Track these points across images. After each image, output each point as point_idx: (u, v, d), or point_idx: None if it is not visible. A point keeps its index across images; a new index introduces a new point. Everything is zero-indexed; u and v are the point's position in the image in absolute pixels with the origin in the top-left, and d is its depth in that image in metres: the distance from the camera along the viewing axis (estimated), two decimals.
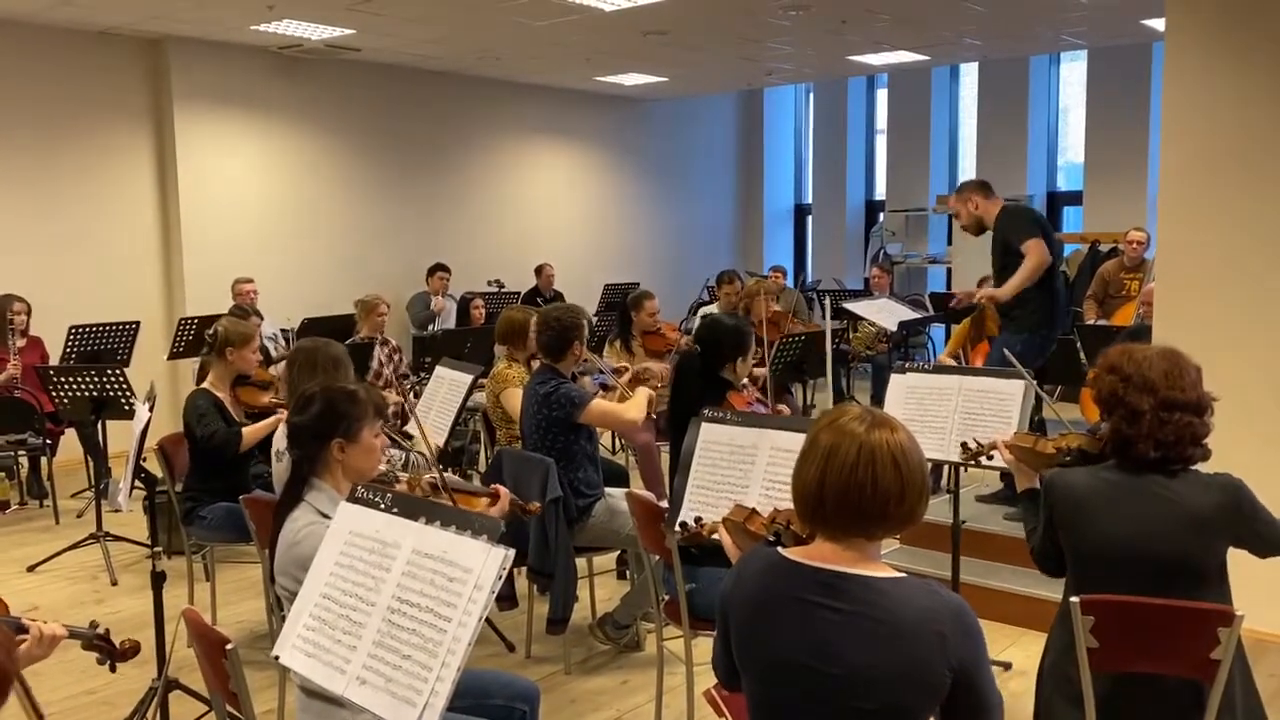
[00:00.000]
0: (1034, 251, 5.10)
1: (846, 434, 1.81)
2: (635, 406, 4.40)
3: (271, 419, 4.40)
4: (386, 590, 1.93)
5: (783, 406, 4.46)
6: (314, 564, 2.09)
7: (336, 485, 2.59)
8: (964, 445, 3.33)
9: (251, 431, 4.43)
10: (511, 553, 1.82)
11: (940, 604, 1.78)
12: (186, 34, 8.31)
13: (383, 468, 2.94)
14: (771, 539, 2.09)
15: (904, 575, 1.82)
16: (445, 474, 3.28)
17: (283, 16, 7.62)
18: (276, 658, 2.05)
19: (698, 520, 2.39)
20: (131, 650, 2.25)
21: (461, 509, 2.02)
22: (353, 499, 2.11)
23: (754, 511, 2.23)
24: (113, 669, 2.27)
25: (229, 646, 2.23)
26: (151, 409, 3.70)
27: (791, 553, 1.89)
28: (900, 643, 1.75)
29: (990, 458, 3.25)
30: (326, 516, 2.43)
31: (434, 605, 1.84)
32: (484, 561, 1.81)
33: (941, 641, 1.75)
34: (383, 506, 2.04)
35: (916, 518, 1.83)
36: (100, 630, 2.23)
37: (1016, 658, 4.26)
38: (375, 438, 2.68)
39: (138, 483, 3.59)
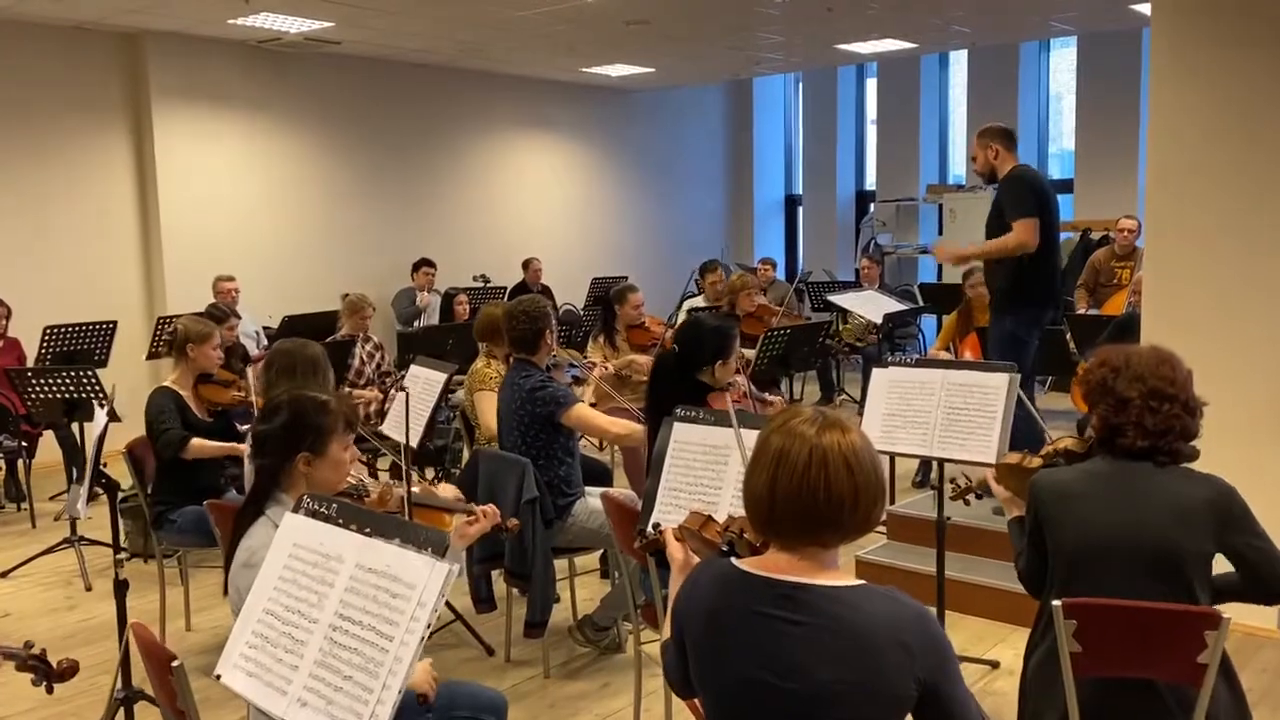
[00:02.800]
0: (1020, 232, 4.84)
1: (796, 436, 1.72)
2: (623, 425, 4.31)
3: (225, 445, 4.42)
4: (329, 606, 1.84)
5: (772, 399, 4.35)
6: (258, 578, 2.00)
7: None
8: (953, 481, 3.30)
9: (200, 445, 4.37)
10: (456, 567, 1.73)
11: (903, 612, 1.70)
12: (163, 28, 8.19)
13: (351, 480, 2.85)
14: (724, 549, 2.00)
15: (863, 583, 1.74)
16: (419, 486, 3.18)
17: (260, 10, 7.50)
18: (219, 677, 1.96)
19: (656, 527, 2.30)
20: (69, 670, 2.16)
21: (402, 520, 1.93)
22: (297, 509, 2.02)
23: (710, 518, 2.14)
24: (49, 690, 2.17)
25: (175, 664, 2.15)
26: (109, 412, 3.60)
27: (745, 564, 1.80)
28: (863, 655, 1.67)
29: (979, 496, 3.20)
30: None
31: (376, 624, 1.75)
32: (428, 577, 1.72)
33: (906, 652, 1.67)
34: (327, 517, 1.95)
35: (873, 522, 1.75)
36: (35, 650, 2.13)
37: (1005, 656, 4.18)
38: (344, 451, 2.58)
39: (98, 489, 3.49)
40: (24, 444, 6.47)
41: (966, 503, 3.30)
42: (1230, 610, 2.33)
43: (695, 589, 1.85)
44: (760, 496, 1.74)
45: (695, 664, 1.83)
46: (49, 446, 6.78)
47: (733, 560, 1.83)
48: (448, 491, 3.22)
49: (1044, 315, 5.12)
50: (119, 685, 3.44)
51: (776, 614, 1.71)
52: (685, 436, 2.95)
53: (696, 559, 2.08)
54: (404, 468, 3.02)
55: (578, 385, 4.89)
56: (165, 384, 4.52)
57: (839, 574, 1.76)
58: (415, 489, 2.97)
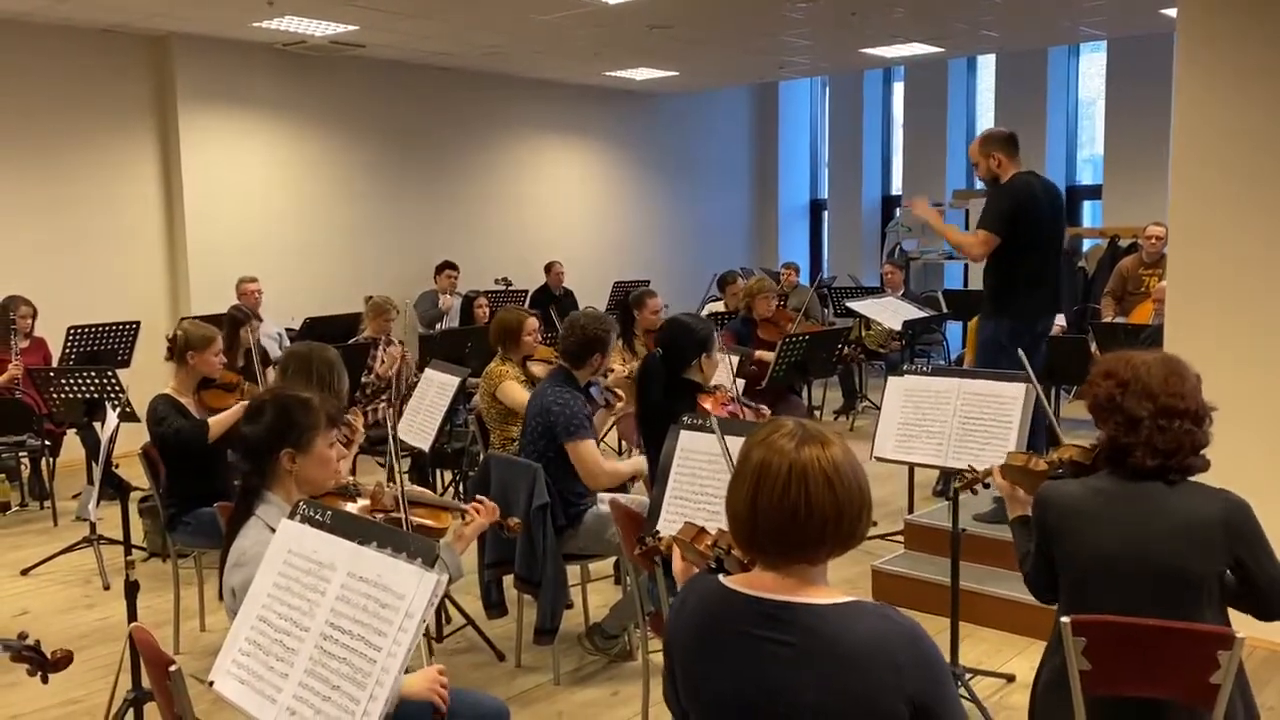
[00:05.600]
0: (976, 240, 4.96)
1: (776, 451, 1.68)
2: (614, 476, 4.15)
3: (236, 407, 4.33)
4: (320, 615, 1.83)
5: (764, 409, 4.30)
6: (253, 584, 2.00)
7: (289, 497, 2.49)
8: (960, 473, 3.26)
9: (217, 422, 4.37)
10: (445, 578, 1.71)
11: (893, 631, 1.66)
12: (189, 31, 8.26)
13: (347, 479, 2.84)
14: (713, 565, 1.97)
15: (853, 599, 1.69)
16: (413, 486, 3.16)
17: (284, 13, 7.54)
18: (211, 683, 1.95)
19: (655, 535, 2.28)
20: (64, 660, 2.17)
21: (393, 529, 1.92)
22: (293, 515, 2.01)
23: (702, 530, 2.12)
24: (44, 680, 2.18)
25: (172, 669, 2.15)
26: (121, 414, 3.62)
27: (731, 581, 1.76)
28: (851, 675, 1.63)
29: (987, 485, 3.15)
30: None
31: (365, 634, 1.74)
32: (416, 588, 1.70)
33: (896, 672, 1.63)
34: (321, 524, 1.94)
35: (859, 537, 1.70)
36: (29, 641, 2.14)
37: (1021, 669, 4.11)
38: (329, 448, 2.58)
39: (110, 489, 3.50)
40: (47, 443, 6.53)
41: (974, 492, 3.25)
42: (1251, 628, 2.27)
43: (682, 607, 1.82)
44: (742, 513, 1.70)
45: (681, 682, 1.80)
46: (73, 445, 6.85)
47: (720, 578, 1.80)
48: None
49: (1031, 326, 5.04)
50: (129, 686, 3.46)
51: (762, 634, 1.68)
52: (691, 445, 2.92)
53: (696, 570, 2.05)
54: (393, 463, 3.01)
55: (607, 408, 4.71)
56: (165, 391, 4.51)
57: (827, 591, 1.71)
58: (410, 488, 2.95)
